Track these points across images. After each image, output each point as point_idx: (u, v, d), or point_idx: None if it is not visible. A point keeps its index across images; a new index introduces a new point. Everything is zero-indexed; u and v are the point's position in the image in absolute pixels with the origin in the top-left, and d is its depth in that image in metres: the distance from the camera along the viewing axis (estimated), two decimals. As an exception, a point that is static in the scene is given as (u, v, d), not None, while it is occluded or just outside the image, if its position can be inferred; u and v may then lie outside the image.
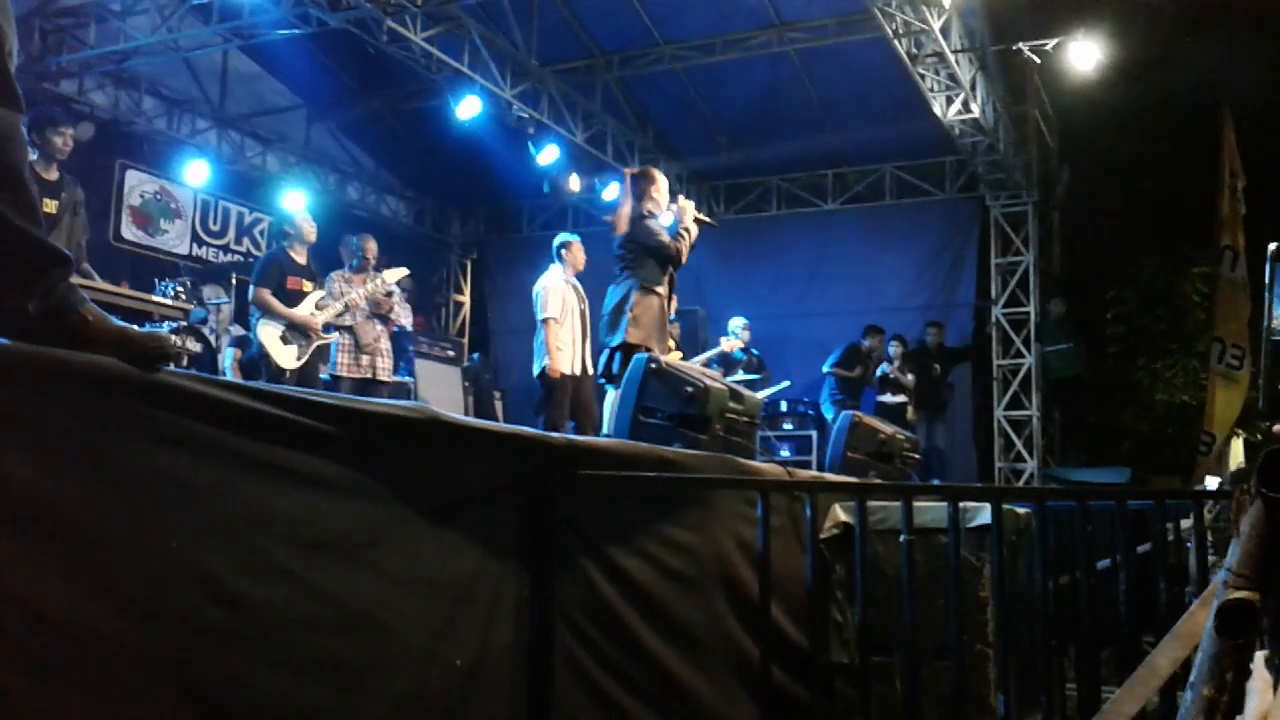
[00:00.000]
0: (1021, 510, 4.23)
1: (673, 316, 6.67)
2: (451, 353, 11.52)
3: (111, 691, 1.90)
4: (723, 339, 10.12)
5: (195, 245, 11.25)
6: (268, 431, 2.24)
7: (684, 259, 6.12)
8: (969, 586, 3.69)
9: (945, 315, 11.68)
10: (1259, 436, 8.33)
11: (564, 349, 7.38)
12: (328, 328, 7.39)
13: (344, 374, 7.50)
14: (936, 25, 8.34)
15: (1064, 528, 3.75)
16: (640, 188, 6.18)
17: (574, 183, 11.59)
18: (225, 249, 11.52)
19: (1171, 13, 9.28)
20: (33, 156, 5.84)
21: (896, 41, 8.56)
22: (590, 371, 7.46)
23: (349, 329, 7.52)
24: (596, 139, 11.33)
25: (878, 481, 5.92)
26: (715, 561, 3.66)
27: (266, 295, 7.14)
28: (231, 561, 2.14)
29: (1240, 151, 9.20)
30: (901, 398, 10.74)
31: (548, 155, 10.76)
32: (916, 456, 7.38)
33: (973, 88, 9.43)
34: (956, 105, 9.59)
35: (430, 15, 8.95)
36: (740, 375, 9.81)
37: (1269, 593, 1.89)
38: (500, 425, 3.36)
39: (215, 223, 11.54)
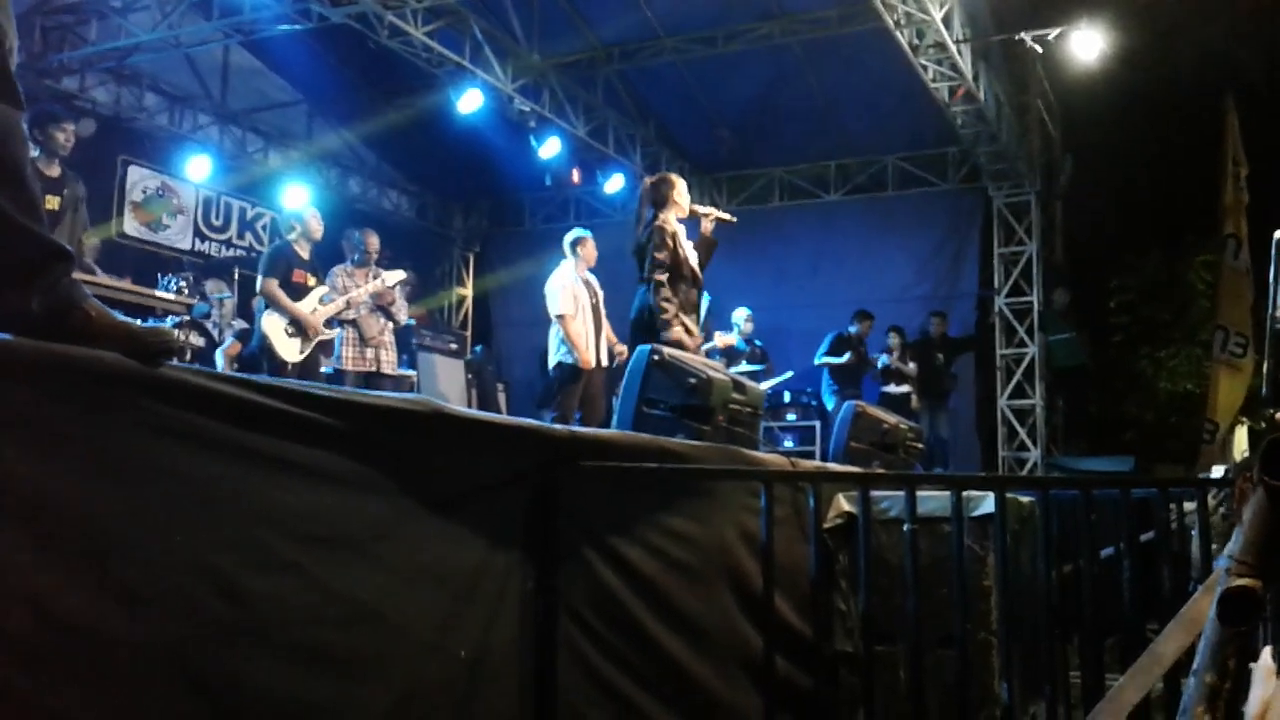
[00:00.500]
0: (1025, 499, 4.23)
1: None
2: (454, 346, 11.54)
3: (116, 686, 1.90)
4: (717, 334, 10.09)
5: (198, 240, 11.25)
6: (271, 425, 2.25)
7: (701, 265, 6.11)
8: (973, 575, 3.70)
9: (948, 305, 11.68)
10: (1263, 424, 8.33)
11: (577, 343, 7.42)
12: (330, 323, 7.40)
13: (349, 367, 7.51)
14: (938, 15, 8.32)
15: (1067, 516, 3.75)
16: (660, 194, 6.12)
17: (575, 176, 11.60)
18: (228, 244, 11.53)
19: (1174, 1, 9.25)
20: (34, 153, 5.85)
21: (898, 32, 8.54)
22: (604, 364, 7.49)
23: (353, 322, 7.53)
24: (598, 132, 11.32)
25: (881, 471, 5.93)
26: (719, 552, 3.66)
27: (274, 286, 7.16)
28: (236, 556, 2.15)
29: (1243, 140, 9.18)
30: (905, 388, 10.74)
31: (549, 148, 10.75)
32: (920, 446, 7.38)
33: (975, 78, 9.41)
34: (958, 95, 9.57)
35: (431, 9, 8.94)
36: (743, 366, 9.81)
37: (1271, 580, 1.89)
38: (504, 418, 3.36)
39: (217, 218, 11.55)
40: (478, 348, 13.05)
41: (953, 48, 8.74)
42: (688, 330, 5.97)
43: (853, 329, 10.71)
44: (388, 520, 2.52)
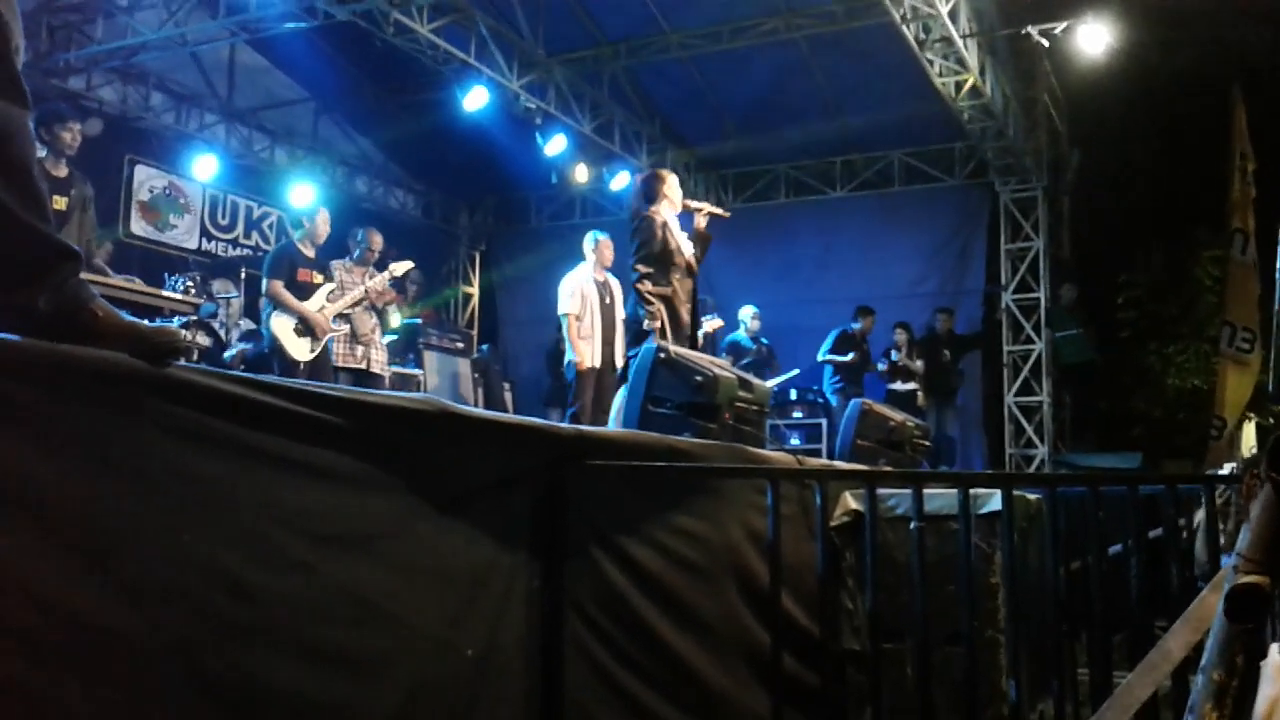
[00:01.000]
0: (1032, 496, 4.23)
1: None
2: (461, 344, 11.52)
3: (125, 684, 1.91)
4: (705, 319, 10.01)
5: (204, 240, 11.27)
6: (279, 425, 2.25)
7: (697, 260, 6.15)
8: (980, 573, 3.69)
9: (955, 301, 11.65)
10: (1271, 420, 8.31)
11: (586, 343, 7.44)
12: (336, 319, 7.41)
13: (340, 364, 7.51)
14: (944, 10, 8.31)
15: (1075, 513, 3.74)
16: (651, 189, 6.19)
17: (581, 173, 11.59)
18: (234, 243, 11.54)
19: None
20: (41, 153, 5.86)
21: (904, 26, 8.53)
22: (617, 365, 7.52)
23: (346, 318, 7.54)
24: (604, 129, 11.31)
25: (888, 469, 5.92)
26: (726, 550, 3.66)
27: (279, 287, 7.17)
28: (244, 554, 2.16)
29: (1251, 134, 9.14)
30: (912, 385, 10.73)
31: (555, 145, 10.75)
32: (927, 444, 7.38)
33: (981, 72, 9.38)
34: (965, 90, 9.55)
35: (437, 7, 8.94)
36: (749, 363, 9.81)
37: (1279, 577, 1.89)
38: (510, 417, 3.37)
39: (224, 217, 11.56)
40: (484, 346, 13.04)
41: (959, 42, 8.72)
42: (679, 320, 6.02)
43: (855, 325, 10.71)
44: (395, 519, 2.53)
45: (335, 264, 7.69)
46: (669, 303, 6.06)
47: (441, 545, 2.65)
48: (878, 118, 11.46)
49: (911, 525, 3.22)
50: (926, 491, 3.33)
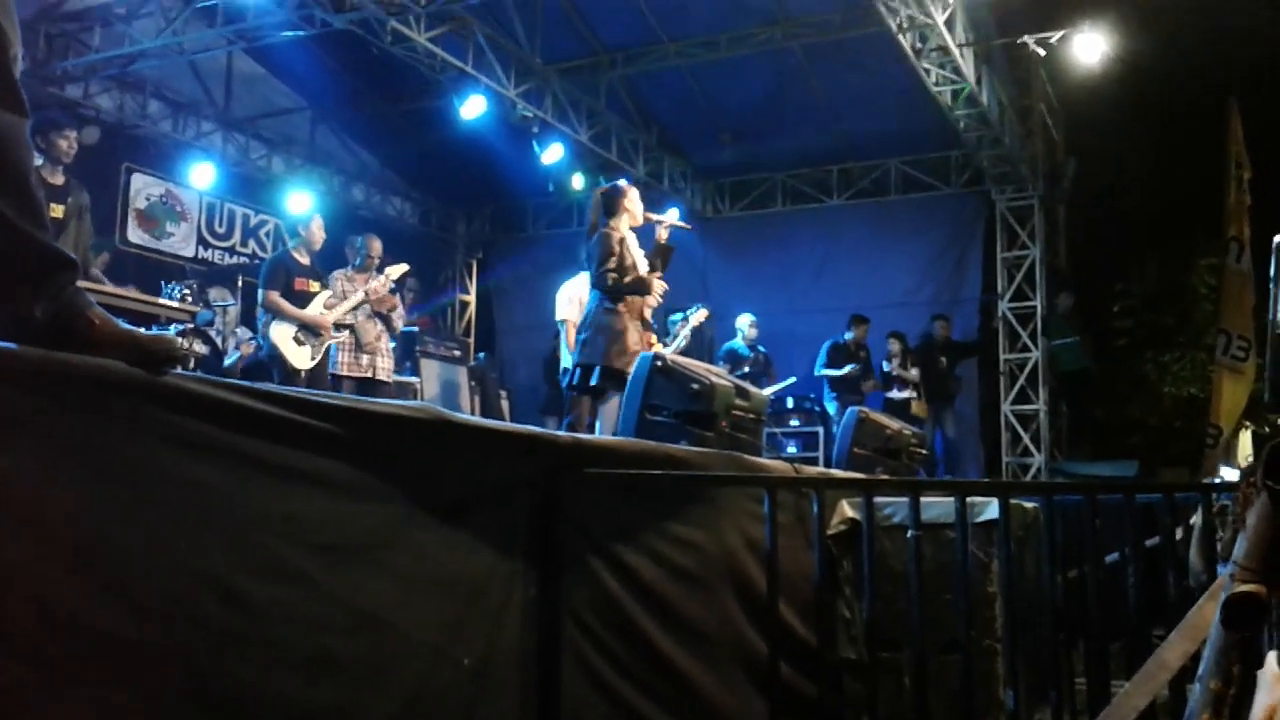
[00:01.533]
0: (1029, 504, 4.23)
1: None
2: (457, 352, 11.52)
3: (122, 692, 1.91)
4: (690, 312, 9.95)
5: (201, 248, 11.27)
6: (275, 433, 2.25)
7: (616, 281, 6.11)
8: (977, 582, 3.69)
9: (951, 310, 11.67)
10: (1267, 429, 8.32)
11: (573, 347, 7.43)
12: (338, 327, 7.40)
13: (344, 373, 7.50)
14: (940, 19, 8.33)
15: (1072, 522, 3.74)
16: (612, 203, 6.21)
17: (578, 181, 11.61)
18: (231, 251, 11.54)
19: (1177, 4, 9.25)
20: (38, 162, 5.86)
21: (901, 36, 8.54)
22: None
23: (349, 327, 7.53)
24: (601, 137, 11.33)
25: (885, 477, 5.92)
26: (723, 559, 3.66)
27: (276, 297, 7.16)
28: (240, 563, 2.15)
29: (1247, 143, 9.18)
30: (908, 393, 10.74)
31: (552, 154, 10.76)
32: (924, 452, 7.38)
33: (977, 81, 9.41)
34: (961, 99, 9.57)
35: (434, 15, 8.95)
36: (746, 372, 9.81)
37: (1276, 585, 1.89)
38: (507, 425, 3.37)
39: (221, 225, 11.56)
40: (480, 354, 13.04)
41: (955, 51, 8.74)
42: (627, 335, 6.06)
43: (848, 335, 10.73)
44: (391, 528, 2.53)
45: (336, 274, 7.67)
46: (621, 318, 6.06)
47: (439, 554, 2.65)
48: (874, 126, 11.48)
49: (908, 534, 3.22)
50: (923, 500, 3.33)
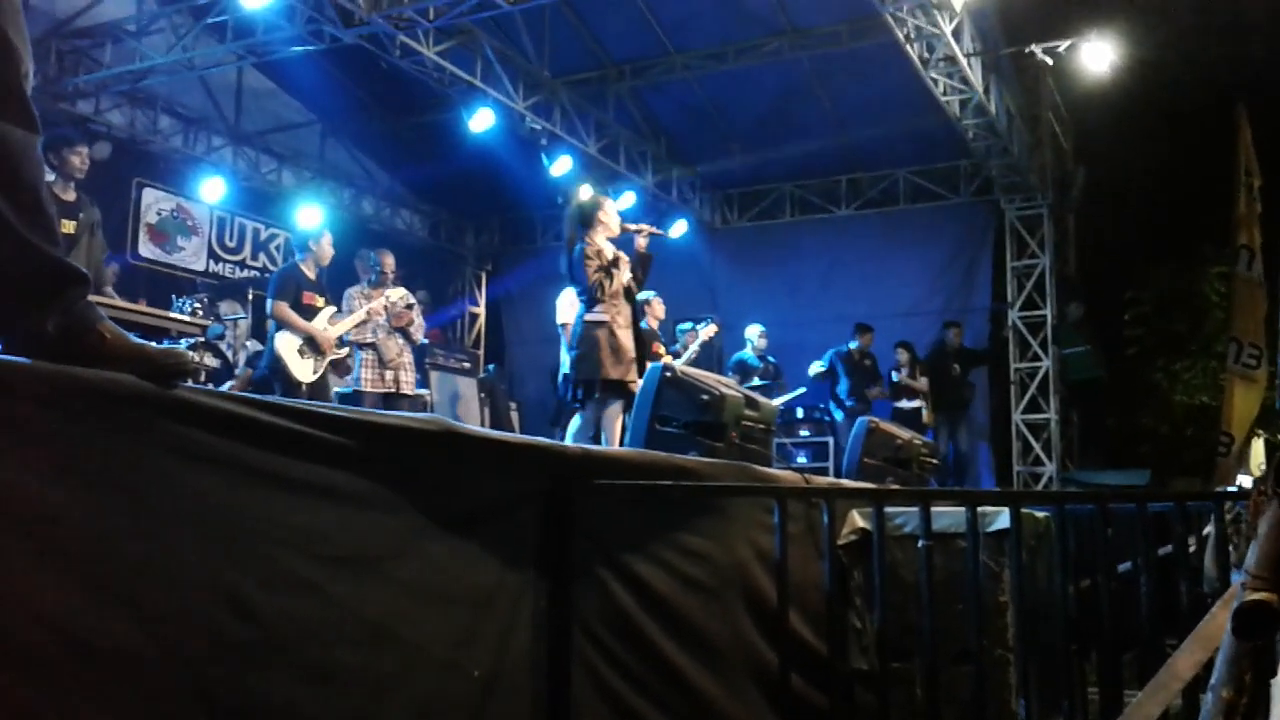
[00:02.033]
0: (1041, 514, 4.21)
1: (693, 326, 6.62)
2: (467, 364, 11.56)
3: (133, 705, 1.91)
4: (699, 326, 9.98)
5: (212, 262, 11.32)
6: (285, 446, 2.26)
7: (631, 283, 6.22)
8: (988, 591, 3.68)
9: (962, 319, 11.64)
10: (1279, 436, 8.29)
11: None
12: (343, 341, 7.42)
13: (368, 389, 7.51)
14: (948, 29, 8.34)
15: (1084, 531, 3.73)
16: (587, 216, 6.27)
17: (586, 193, 11.62)
18: (241, 265, 11.59)
19: (1185, 12, 9.25)
20: (50, 178, 5.90)
21: (908, 46, 8.56)
22: None
23: (372, 345, 7.55)
24: (609, 149, 11.36)
25: (895, 487, 5.91)
26: (733, 569, 3.65)
27: (285, 309, 7.19)
28: (250, 575, 2.16)
29: (1257, 150, 9.16)
30: (917, 402, 10.71)
31: (561, 166, 10.79)
32: (934, 461, 7.37)
33: (986, 91, 9.41)
34: (970, 109, 9.58)
35: (442, 30, 8.99)
36: (756, 382, 9.80)
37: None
38: (517, 436, 3.37)
39: (231, 239, 11.61)
40: (490, 366, 13.07)
41: (963, 61, 8.75)
42: (619, 345, 6.11)
43: (853, 345, 10.72)
44: (401, 539, 2.53)
45: (352, 291, 7.66)
46: (608, 330, 6.09)
47: (448, 565, 2.65)
48: (882, 136, 11.48)
49: (919, 543, 3.21)
50: (934, 510, 3.33)
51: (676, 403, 4.62)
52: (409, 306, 7.81)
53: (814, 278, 12.46)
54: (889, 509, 3.57)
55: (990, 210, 11.91)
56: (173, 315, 6.85)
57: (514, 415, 11.90)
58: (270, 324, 7.36)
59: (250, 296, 9.47)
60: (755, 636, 3.64)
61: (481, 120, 9.83)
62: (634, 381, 5.84)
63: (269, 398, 2.33)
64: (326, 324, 7.31)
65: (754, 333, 10.68)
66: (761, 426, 4.98)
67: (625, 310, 6.21)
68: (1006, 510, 3.49)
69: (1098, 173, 11.91)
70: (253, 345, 9.09)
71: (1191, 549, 3.71)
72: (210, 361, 7.97)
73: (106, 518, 1.92)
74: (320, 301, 7.40)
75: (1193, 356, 11.57)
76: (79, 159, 6.17)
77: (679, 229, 12.22)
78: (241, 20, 8.94)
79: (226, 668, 2.07)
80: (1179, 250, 11.61)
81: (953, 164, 11.93)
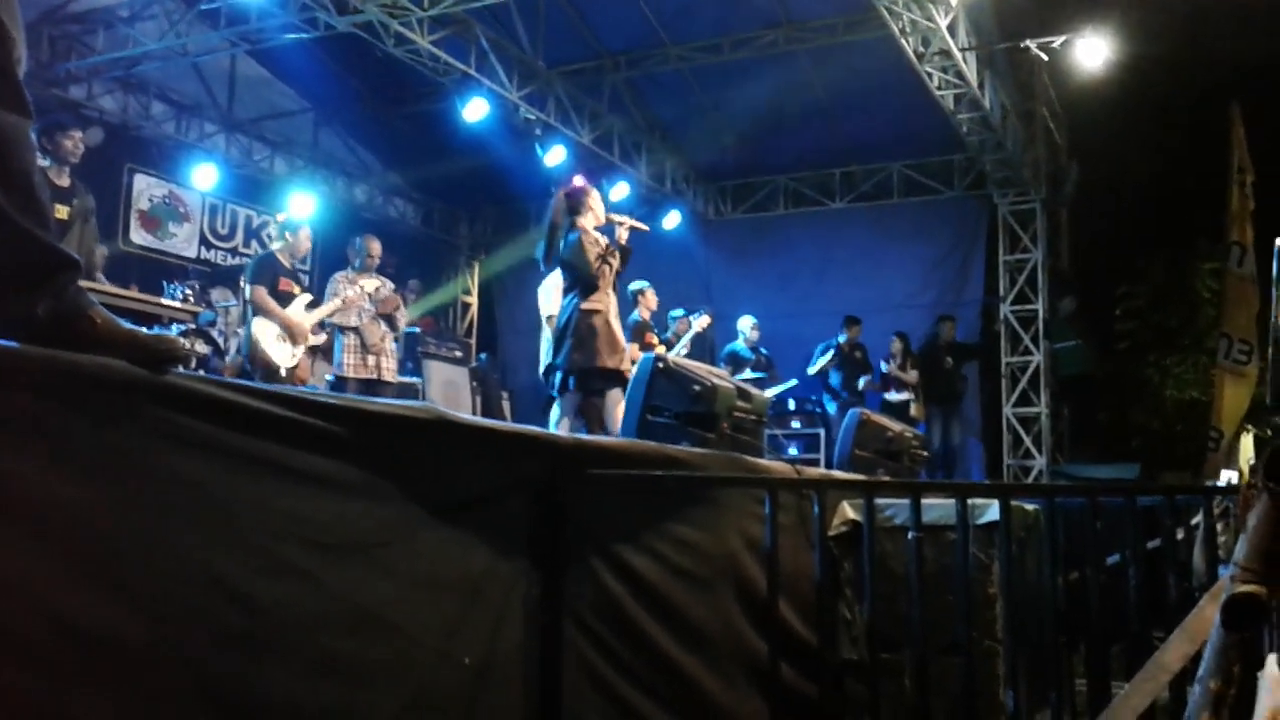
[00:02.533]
0: (1030, 507, 4.23)
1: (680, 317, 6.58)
2: (459, 353, 11.54)
3: (125, 692, 1.91)
4: (693, 317, 9.97)
5: (203, 248, 11.29)
6: (276, 432, 2.25)
7: (615, 273, 6.26)
8: (978, 583, 3.69)
9: (954, 312, 11.67)
10: (1269, 432, 8.31)
11: None
12: (322, 326, 7.43)
13: (350, 374, 7.52)
14: (943, 23, 8.34)
15: (1073, 524, 3.74)
16: (575, 203, 6.27)
17: (578, 184, 11.61)
18: (233, 252, 11.56)
19: (1180, 8, 9.25)
20: (45, 163, 5.88)
21: (903, 40, 8.56)
22: None
23: (355, 329, 7.55)
24: (603, 140, 11.35)
25: (886, 479, 5.92)
26: (724, 560, 3.66)
27: (263, 294, 7.22)
28: (242, 562, 2.15)
29: (1250, 147, 9.17)
30: (905, 395, 10.73)
31: (555, 156, 10.78)
32: (925, 454, 7.38)
33: (980, 85, 9.41)
34: (964, 103, 9.58)
35: (437, 19, 8.97)
36: (747, 374, 9.81)
37: (1276, 586, 1.89)
38: (508, 425, 3.37)
39: (223, 226, 11.58)
40: (482, 355, 13.06)
41: (958, 55, 8.75)
42: (613, 334, 6.14)
43: (841, 338, 10.74)
44: (393, 527, 2.53)
45: (337, 275, 7.69)
46: (604, 319, 6.11)
47: (440, 554, 2.65)
48: (876, 130, 11.49)
49: (909, 535, 3.22)
50: (925, 501, 3.33)
51: (668, 393, 4.61)
52: (396, 290, 7.81)
53: (807, 270, 12.47)
54: (879, 500, 3.57)
55: (983, 204, 11.93)
56: (164, 301, 6.86)
57: (506, 404, 11.89)
58: (248, 310, 7.37)
59: (242, 283, 9.43)
60: (745, 626, 3.65)
61: (475, 110, 9.81)
62: (628, 369, 5.86)
63: (261, 384, 2.33)
64: (303, 310, 7.33)
65: (746, 324, 10.69)
66: (753, 417, 4.99)
67: (614, 300, 6.23)
68: (996, 502, 3.50)
69: (1091, 168, 11.93)
70: (244, 332, 9.07)
71: (1180, 542, 3.73)
72: (201, 348, 7.97)
73: (97, 504, 1.92)
74: (297, 288, 7.42)
75: (1184, 352, 11.62)
76: (71, 142, 6.16)
77: (672, 220, 12.23)
78: (235, 8, 8.91)
79: (219, 654, 2.07)
80: (1171, 246, 11.64)
81: (946, 158, 11.95)
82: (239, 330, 9.09)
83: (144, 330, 2.13)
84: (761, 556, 3.40)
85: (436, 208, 14.32)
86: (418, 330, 10.73)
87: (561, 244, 6.23)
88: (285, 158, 12.23)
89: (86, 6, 9.45)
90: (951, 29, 8.55)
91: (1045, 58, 8.98)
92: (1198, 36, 9.67)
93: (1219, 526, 4.48)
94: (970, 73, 9.11)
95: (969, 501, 3.28)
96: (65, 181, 6.13)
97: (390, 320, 7.76)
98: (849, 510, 4.14)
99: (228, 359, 8.51)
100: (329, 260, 7.83)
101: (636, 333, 8.82)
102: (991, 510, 3.78)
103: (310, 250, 7.60)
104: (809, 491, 3.74)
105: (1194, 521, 4.04)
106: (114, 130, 10.21)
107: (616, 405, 6.05)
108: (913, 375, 10.79)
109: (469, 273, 14.70)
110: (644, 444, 3.83)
